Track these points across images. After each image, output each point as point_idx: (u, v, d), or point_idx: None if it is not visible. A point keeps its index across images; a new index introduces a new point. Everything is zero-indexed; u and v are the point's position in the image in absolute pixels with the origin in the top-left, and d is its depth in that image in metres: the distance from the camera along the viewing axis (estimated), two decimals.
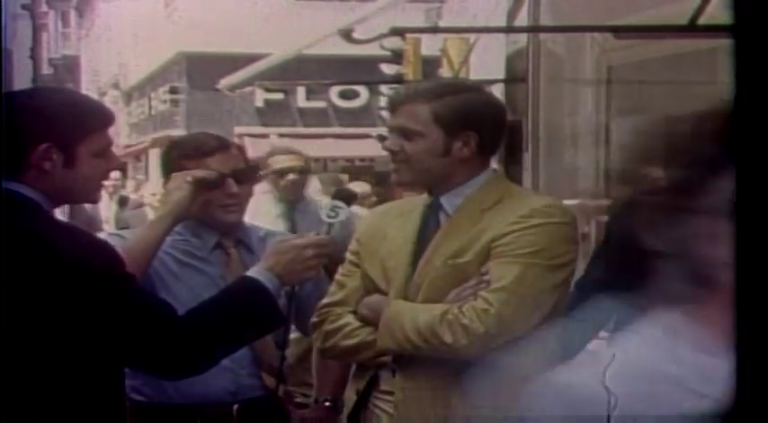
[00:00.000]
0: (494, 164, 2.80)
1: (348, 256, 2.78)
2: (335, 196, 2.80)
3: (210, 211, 3.01)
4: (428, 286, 2.60)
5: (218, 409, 2.95)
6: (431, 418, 2.60)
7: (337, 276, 2.79)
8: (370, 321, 2.64)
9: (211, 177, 2.95)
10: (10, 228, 2.20)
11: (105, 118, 2.43)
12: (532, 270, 2.52)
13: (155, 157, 27.90)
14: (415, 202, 2.78)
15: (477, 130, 2.65)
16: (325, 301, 2.77)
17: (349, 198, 5.31)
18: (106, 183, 7.87)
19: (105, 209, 8.33)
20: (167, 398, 2.94)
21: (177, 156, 3.05)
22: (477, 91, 2.77)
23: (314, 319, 2.76)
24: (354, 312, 2.70)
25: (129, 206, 9.55)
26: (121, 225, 7.35)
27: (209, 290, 2.51)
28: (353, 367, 2.88)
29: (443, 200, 2.69)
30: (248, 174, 3.08)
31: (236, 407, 2.97)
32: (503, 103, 2.80)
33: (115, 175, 8.12)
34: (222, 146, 3.04)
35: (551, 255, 2.56)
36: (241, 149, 3.13)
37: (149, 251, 2.81)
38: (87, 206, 7.70)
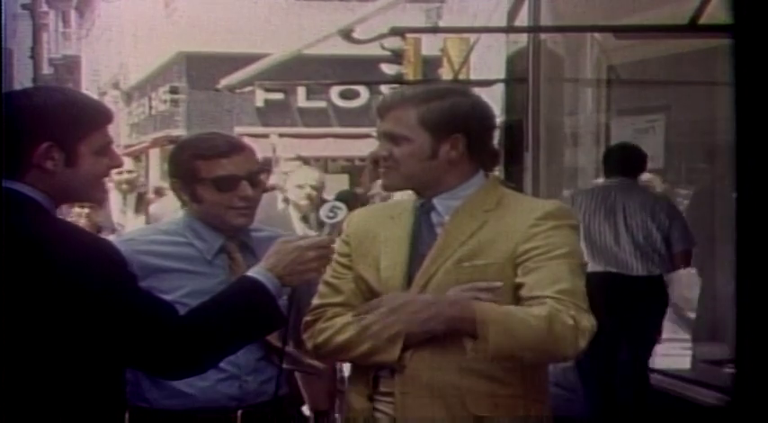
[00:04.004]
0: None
1: (337, 257, 2.74)
2: (336, 197, 2.80)
3: (221, 214, 2.98)
4: (435, 287, 2.59)
5: (222, 415, 2.94)
6: (430, 421, 2.59)
7: (326, 278, 2.75)
8: (453, 319, 2.49)
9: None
10: (12, 228, 2.20)
11: (104, 116, 2.42)
12: (575, 267, 2.57)
13: (155, 156, 27.92)
14: (404, 205, 2.79)
15: (465, 133, 2.66)
16: (319, 301, 2.74)
17: (349, 199, 5.33)
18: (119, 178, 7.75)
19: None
20: (171, 404, 2.92)
21: (191, 155, 2.98)
22: (464, 94, 2.78)
23: (307, 319, 2.73)
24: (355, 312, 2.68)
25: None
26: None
27: (211, 295, 2.48)
28: (348, 373, 2.85)
29: (436, 201, 2.69)
30: (261, 177, 3.03)
31: (239, 412, 2.95)
32: (490, 106, 2.81)
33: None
34: (237, 147, 2.99)
35: (578, 254, 2.63)
36: (253, 151, 3.06)
37: None
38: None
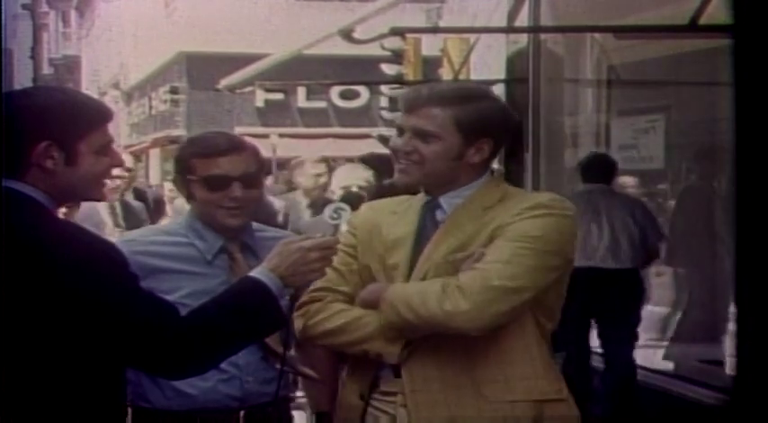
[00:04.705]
0: (495, 164, 2.81)
1: (343, 247, 2.73)
2: (341, 199, 2.79)
3: (212, 213, 2.98)
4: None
5: (224, 415, 2.94)
6: (444, 419, 2.59)
7: (333, 264, 2.71)
8: (369, 304, 2.64)
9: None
10: (12, 227, 2.20)
11: (104, 115, 2.42)
12: (528, 248, 2.54)
13: (155, 156, 27.94)
14: (409, 201, 2.78)
15: (494, 138, 2.67)
16: (320, 284, 2.72)
17: (354, 201, 5.23)
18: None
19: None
20: (173, 405, 2.93)
21: (190, 153, 3.01)
22: (494, 99, 2.78)
23: (304, 299, 2.71)
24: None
25: (150, 196, 9.48)
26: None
27: (212, 295, 2.48)
28: (346, 370, 2.85)
29: (442, 200, 2.70)
30: (257, 178, 3.01)
31: (242, 413, 2.95)
32: (515, 113, 2.81)
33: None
34: (236, 147, 2.98)
35: (550, 241, 2.58)
36: (255, 152, 3.05)
37: None
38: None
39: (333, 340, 2.70)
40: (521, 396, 2.58)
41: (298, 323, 2.72)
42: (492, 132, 2.66)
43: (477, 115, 2.63)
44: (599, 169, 6.91)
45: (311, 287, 2.72)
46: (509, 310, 2.52)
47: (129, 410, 2.84)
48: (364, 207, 2.93)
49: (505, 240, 2.55)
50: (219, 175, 2.95)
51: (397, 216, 2.75)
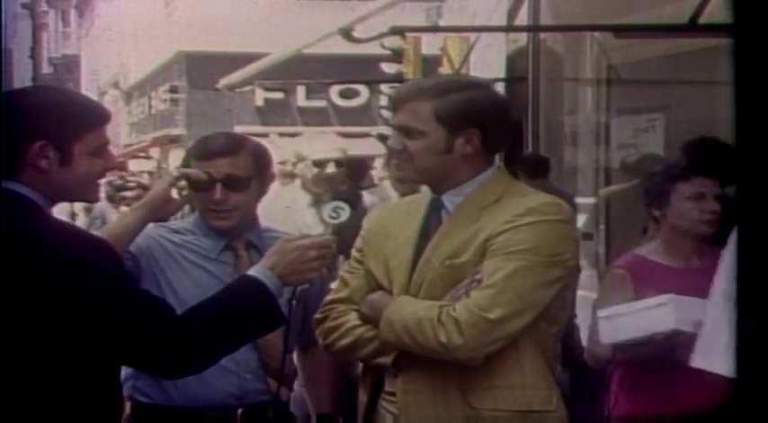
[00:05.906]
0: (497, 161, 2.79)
1: (353, 253, 2.76)
2: (338, 197, 2.79)
3: (202, 214, 3.02)
4: (427, 287, 2.59)
5: (222, 412, 2.93)
6: (431, 419, 2.59)
7: (342, 273, 2.78)
8: (371, 319, 2.63)
9: (199, 178, 2.95)
10: (8, 227, 2.19)
11: (101, 116, 2.42)
12: (523, 267, 2.50)
13: (155, 156, 27.90)
14: (421, 200, 2.75)
15: (480, 128, 2.60)
16: (329, 297, 2.75)
17: (353, 199, 5.22)
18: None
19: None
20: (171, 400, 2.93)
21: (189, 154, 3.07)
22: (481, 87, 2.71)
23: (317, 316, 2.74)
24: (358, 310, 2.68)
25: None
26: None
27: (215, 291, 2.49)
28: (360, 371, 2.86)
29: (445, 198, 2.66)
30: (245, 182, 2.99)
31: (240, 411, 2.95)
32: (508, 100, 2.75)
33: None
34: (229, 150, 2.99)
35: (545, 252, 2.53)
36: (257, 155, 3.04)
37: (120, 242, 2.73)
38: None
39: (350, 356, 2.74)
40: (504, 405, 2.55)
41: (320, 341, 2.76)
42: (477, 122, 2.59)
43: (457, 106, 2.58)
44: (536, 166, 7.27)
45: (324, 300, 2.74)
46: (508, 335, 2.50)
47: (128, 405, 2.86)
48: (377, 208, 2.92)
49: (499, 258, 2.51)
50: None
51: (408, 216, 2.72)
